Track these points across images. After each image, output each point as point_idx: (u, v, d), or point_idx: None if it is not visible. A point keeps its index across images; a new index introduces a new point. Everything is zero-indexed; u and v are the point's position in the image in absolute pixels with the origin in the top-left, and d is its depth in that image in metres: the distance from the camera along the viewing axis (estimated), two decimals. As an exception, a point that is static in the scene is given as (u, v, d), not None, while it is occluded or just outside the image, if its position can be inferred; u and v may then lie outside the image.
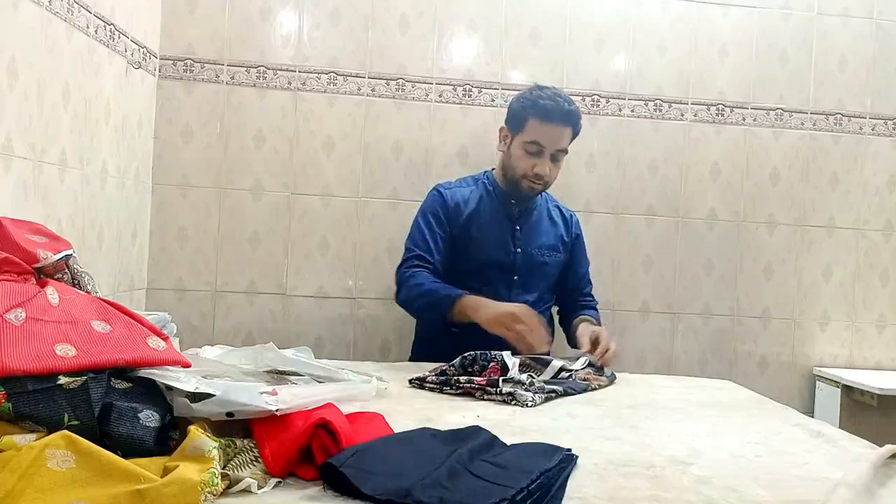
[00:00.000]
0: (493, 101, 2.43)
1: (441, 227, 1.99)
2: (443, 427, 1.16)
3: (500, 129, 2.03)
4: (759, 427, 1.38)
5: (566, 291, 2.14)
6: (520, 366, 1.59)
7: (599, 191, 2.49)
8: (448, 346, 1.77)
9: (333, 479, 0.91)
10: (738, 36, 2.53)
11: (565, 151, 1.97)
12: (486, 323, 1.77)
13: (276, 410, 0.96)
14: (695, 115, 2.52)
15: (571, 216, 2.15)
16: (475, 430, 1.15)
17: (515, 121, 1.96)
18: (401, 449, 1.03)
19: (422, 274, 1.93)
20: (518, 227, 2.02)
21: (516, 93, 2.05)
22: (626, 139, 2.50)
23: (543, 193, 2.09)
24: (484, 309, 1.79)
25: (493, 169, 2.11)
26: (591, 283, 2.18)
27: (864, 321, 2.61)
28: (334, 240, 2.41)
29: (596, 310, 2.14)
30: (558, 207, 2.14)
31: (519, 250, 2.01)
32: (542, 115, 1.90)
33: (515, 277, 2.00)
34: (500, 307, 1.79)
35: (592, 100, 2.49)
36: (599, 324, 2.06)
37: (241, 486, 0.88)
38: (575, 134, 1.97)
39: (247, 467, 0.91)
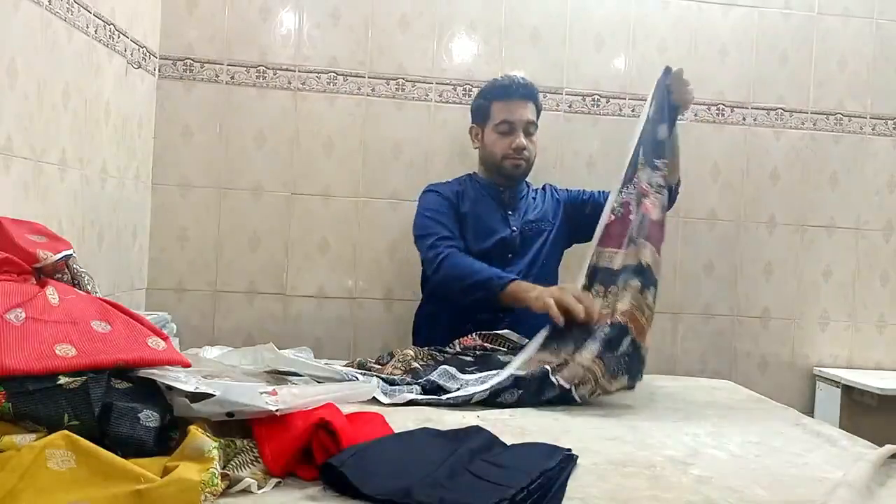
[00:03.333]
0: (493, 101, 2.43)
1: (451, 215, 2.02)
2: (443, 427, 1.16)
3: (470, 129, 2.14)
4: (759, 427, 1.38)
5: (589, 214, 2.04)
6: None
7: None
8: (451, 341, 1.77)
9: (333, 480, 0.91)
10: (738, 36, 2.53)
11: (535, 125, 2.04)
12: (538, 298, 1.67)
13: (276, 411, 0.96)
14: (695, 115, 2.52)
15: (545, 186, 2.18)
16: (475, 430, 1.15)
17: (480, 113, 2.08)
18: (401, 449, 1.03)
19: (460, 254, 1.92)
20: (510, 212, 2.08)
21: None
22: (627, 139, 2.49)
23: (526, 185, 2.14)
24: (534, 290, 1.71)
25: (474, 172, 2.16)
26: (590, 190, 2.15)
27: (865, 321, 2.61)
28: (334, 240, 2.41)
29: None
30: (536, 189, 2.17)
31: (514, 230, 2.05)
32: (502, 94, 2.02)
33: (510, 255, 2.03)
34: (548, 289, 1.71)
35: (593, 100, 2.49)
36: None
37: (241, 486, 0.88)
38: (538, 109, 2.06)
39: (247, 467, 0.91)
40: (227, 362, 1.37)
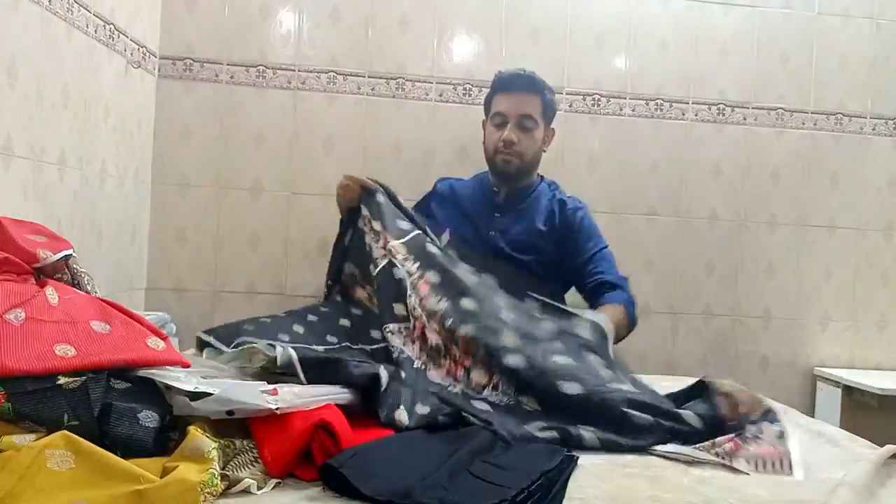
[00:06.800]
0: (493, 100, 2.42)
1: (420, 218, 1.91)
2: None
3: (482, 123, 2.08)
4: (759, 427, 1.37)
5: (579, 284, 1.99)
6: None
7: (600, 191, 2.49)
8: None
9: (333, 480, 0.91)
10: (738, 36, 2.53)
11: (534, 119, 1.93)
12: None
13: (277, 409, 0.96)
14: (696, 115, 2.52)
15: (565, 203, 2.01)
16: (476, 431, 1.14)
17: (486, 107, 2.04)
18: (401, 449, 1.02)
19: None
20: (498, 214, 2.00)
21: None
22: (627, 139, 2.50)
23: (550, 186, 2.07)
24: None
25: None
26: (600, 262, 1.95)
27: (865, 321, 2.61)
28: (334, 239, 2.40)
29: (616, 287, 1.89)
30: (563, 200, 2.03)
31: (493, 232, 1.97)
32: (502, 87, 1.97)
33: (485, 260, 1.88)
34: None
35: (593, 100, 2.48)
36: (627, 308, 1.83)
37: (240, 486, 0.88)
38: (544, 104, 1.96)
39: (246, 468, 0.91)
40: (226, 363, 1.37)
